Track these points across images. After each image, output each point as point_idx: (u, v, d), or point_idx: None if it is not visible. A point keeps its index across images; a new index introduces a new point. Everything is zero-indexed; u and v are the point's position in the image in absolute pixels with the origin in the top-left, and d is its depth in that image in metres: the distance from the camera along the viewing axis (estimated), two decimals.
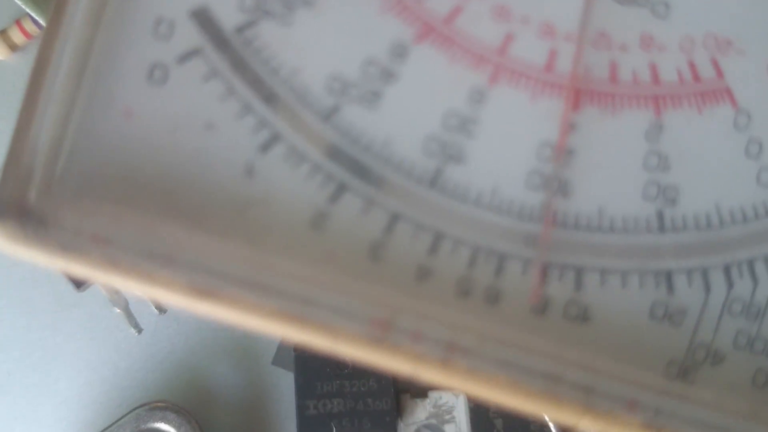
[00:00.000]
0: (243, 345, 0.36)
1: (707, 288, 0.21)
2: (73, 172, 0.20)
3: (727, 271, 0.21)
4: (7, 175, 0.19)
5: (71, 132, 0.20)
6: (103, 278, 0.19)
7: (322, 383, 0.34)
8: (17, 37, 0.36)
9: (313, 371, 0.34)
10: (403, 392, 0.35)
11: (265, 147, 0.20)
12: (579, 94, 0.21)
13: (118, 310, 0.35)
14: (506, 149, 0.21)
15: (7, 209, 0.19)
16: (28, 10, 0.34)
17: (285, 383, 0.36)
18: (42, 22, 0.34)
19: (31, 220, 0.19)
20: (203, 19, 0.20)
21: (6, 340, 0.36)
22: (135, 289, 0.19)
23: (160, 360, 0.36)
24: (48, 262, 0.19)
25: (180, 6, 0.20)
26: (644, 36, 0.21)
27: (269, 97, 0.20)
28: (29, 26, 0.36)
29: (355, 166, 0.20)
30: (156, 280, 0.19)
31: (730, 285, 0.21)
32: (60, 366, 0.36)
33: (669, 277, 0.21)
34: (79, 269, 0.19)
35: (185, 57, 0.20)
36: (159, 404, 0.35)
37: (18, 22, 0.36)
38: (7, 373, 0.36)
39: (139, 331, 0.36)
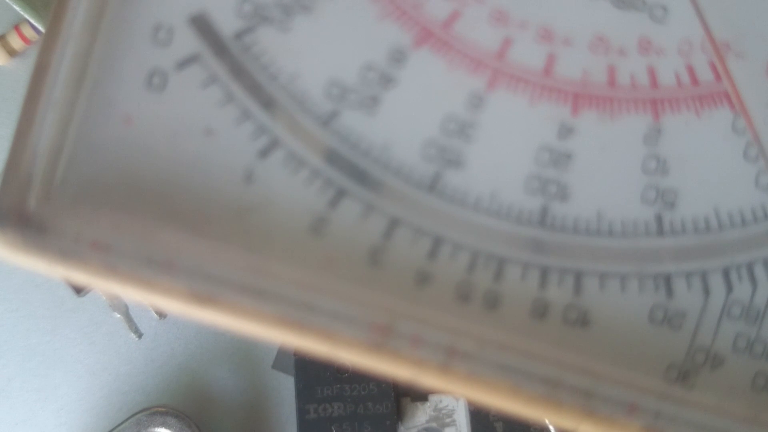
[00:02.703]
0: (243, 349, 0.37)
1: (706, 291, 0.21)
2: (73, 179, 0.20)
3: (726, 274, 0.21)
4: (6, 183, 0.19)
5: (70, 139, 0.20)
6: (102, 285, 0.19)
7: (322, 387, 0.34)
8: (16, 42, 0.36)
9: (313, 375, 0.34)
10: (403, 396, 0.35)
11: (264, 153, 0.20)
12: (578, 98, 0.21)
13: (118, 315, 0.35)
14: (505, 154, 0.21)
15: (7, 217, 0.19)
16: (26, 16, 0.34)
17: (285, 387, 0.36)
18: (40, 27, 0.34)
19: (30, 227, 0.19)
20: (202, 25, 0.20)
21: (6, 345, 0.36)
22: (134, 295, 0.19)
23: (161, 365, 0.36)
24: (48, 270, 0.19)
25: (179, 12, 0.20)
26: (642, 40, 0.21)
27: (268, 103, 0.20)
28: (28, 32, 0.36)
29: (353, 171, 0.20)
30: (155, 286, 0.19)
31: (729, 288, 0.21)
32: (60, 371, 0.36)
33: (668, 280, 0.21)
34: (79, 276, 0.19)
35: (184, 63, 0.20)
36: (160, 409, 0.35)
37: (17, 28, 0.36)
38: (8, 379, 0.36)
39: (140, 336, 0.36)
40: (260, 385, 0.36)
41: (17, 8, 0.33)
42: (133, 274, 0.19)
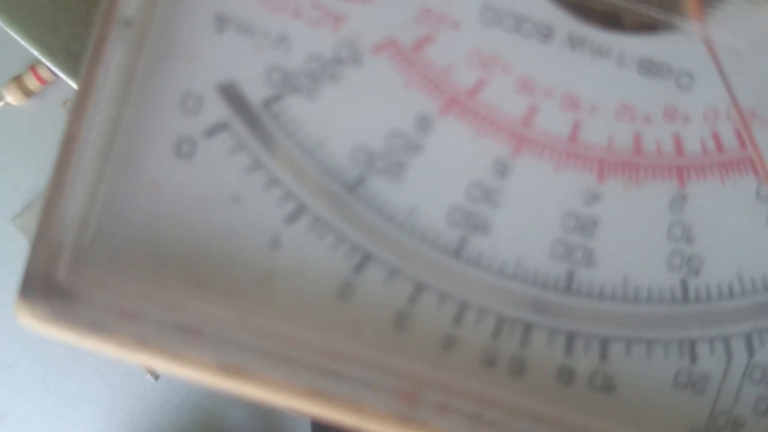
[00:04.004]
0: None
1: (729, 356, 0.21)
2: (101, 247, 0.20)
3: (748, 339, 0.22)
4: (35, 252, 0.19)
5: (99, 207, 0.20)
6: (132, 357, 0.19)
7: (338, 428, 0.34)
8: (32, 83, 0.36)
9: None
10: None
11: (291, 218, 0.20)
12: (603, 164, 0.21)
13: None
14: (530, 219, 0.21)
15: (36, 287, 0.19)
16: (42, 59, 0.34)
17: (301, 429, 0.36)
18: (55, 69, 0.34)
19: (59, 297, 0.19)
20: (230, 94, 0.20)
21: (23, 385, 0.36)
22: (164, 367, 0.19)
23: (176, 404, 0.36)
24: (77, 341, 0.19)
25: (208, 81, 0.20)
26: (668, 107, 0.21)
27: (295, 169, 0.20)
28: (44, 72, 0.36)
29: (378, 236, 0.20)
30: (184, 359, 0.19)
31: (751, 353, 0.22)
32: (76, 411, 0.36)
33: (692, 346, 0.21)
34: (108, 348, 0.19)
35: (212, 131, 0.20)
36: None
37: (33, 69, 0.36)
38: (25, 418, 0.36)
39: (156, 377, 0.36)
40: (276, 426, 0.36)
41: (33, 51, 0.33)
42: (162, 344, 0.19)
